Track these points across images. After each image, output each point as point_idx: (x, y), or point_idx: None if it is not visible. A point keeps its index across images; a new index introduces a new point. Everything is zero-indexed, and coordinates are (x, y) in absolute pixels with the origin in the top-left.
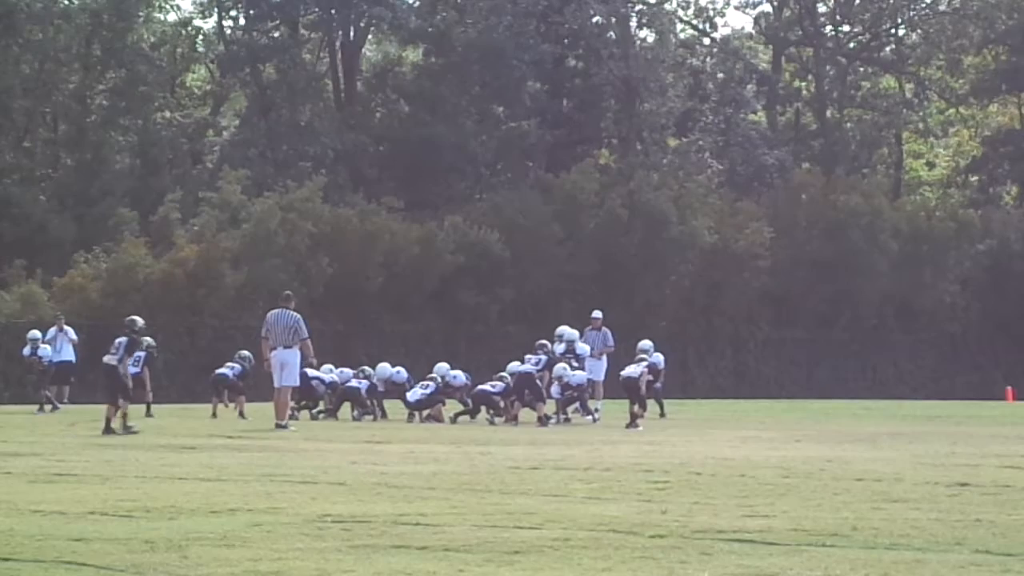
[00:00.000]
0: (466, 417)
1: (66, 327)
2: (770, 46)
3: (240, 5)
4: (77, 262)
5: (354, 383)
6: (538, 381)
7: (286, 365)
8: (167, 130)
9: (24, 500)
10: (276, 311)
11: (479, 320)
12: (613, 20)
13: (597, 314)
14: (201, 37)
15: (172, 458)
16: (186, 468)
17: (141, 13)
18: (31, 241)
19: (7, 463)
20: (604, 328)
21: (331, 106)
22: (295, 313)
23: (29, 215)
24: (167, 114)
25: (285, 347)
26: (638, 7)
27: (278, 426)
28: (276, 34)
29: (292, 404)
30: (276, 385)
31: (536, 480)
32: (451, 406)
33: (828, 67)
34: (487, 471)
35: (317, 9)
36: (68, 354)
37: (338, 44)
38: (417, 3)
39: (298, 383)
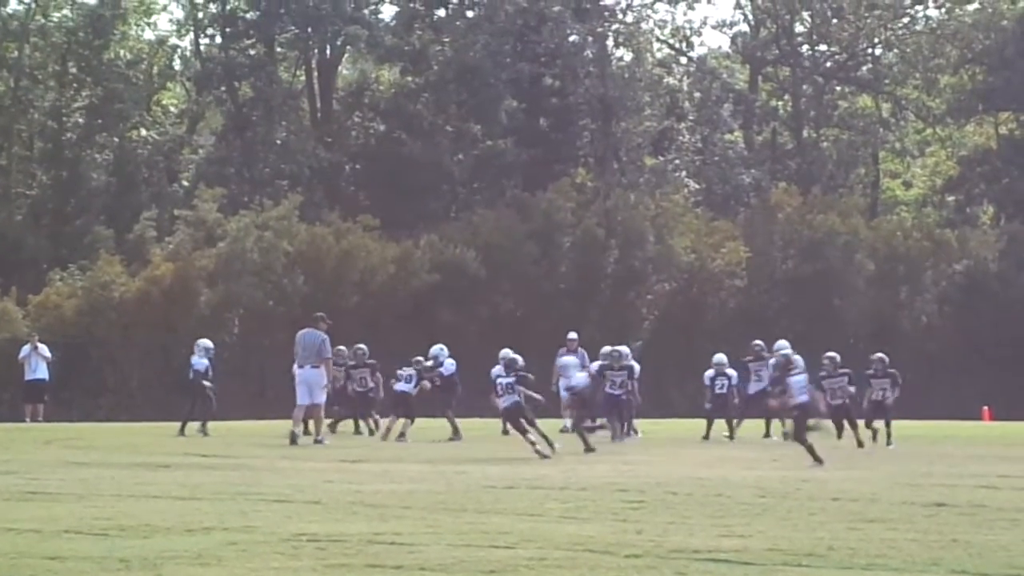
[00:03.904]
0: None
1: (40, 345)
2: (747, 65)
3: (216, 23)
4: (52, 280)
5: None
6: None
7: (312, 384)
8: (143, 148)
9: None
10: (305, 330)
11: (456, 339)
12: (590, 39)
13: (573, 335)
14: (177, 55)
15: (147, 476)
16: (161, 486)
17: (117, 31)
18: (6, 259)
19: None
20: (580, 349)
21: (307, 124)
22: (322, 333)
23: (4, 233)
24: (143, 132)
25: (312, 367)
26: (615, 27)
27: (316, 441)
28: (252, 52)
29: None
30: (300, 402)
31: (511, 499)
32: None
33: (805, 86)
34: (462, 490)
35: (293, 27)
36: (42, 372)
37: (314, 62)
38: (393, 22)
39: (319, 400)
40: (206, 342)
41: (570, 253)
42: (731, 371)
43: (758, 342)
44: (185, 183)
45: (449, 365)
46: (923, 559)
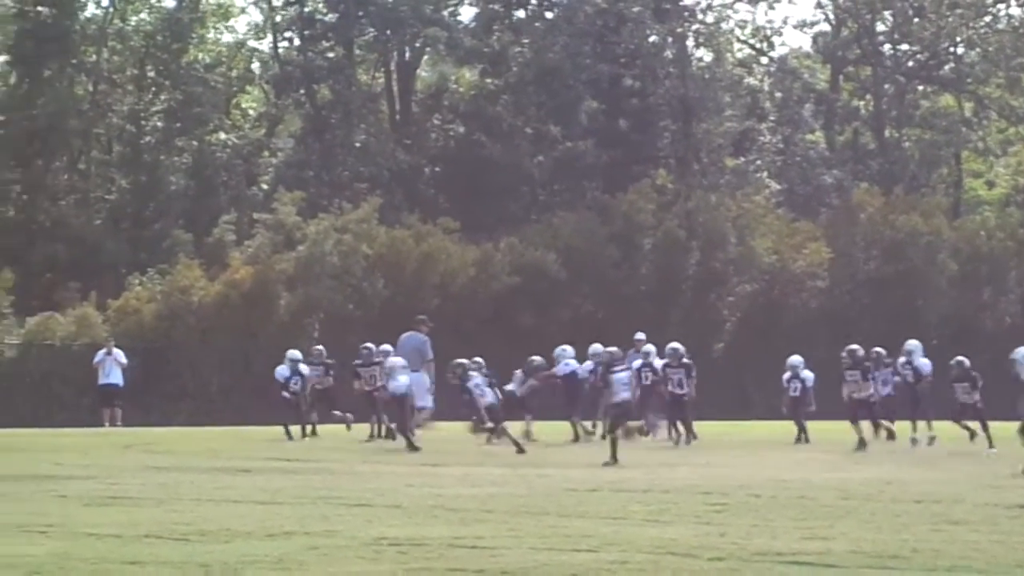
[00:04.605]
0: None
1: (116, 350)
2: (828, 65)
3: (295, 26)
4: (132, 284)
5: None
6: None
7: (415, 386)
8: (222, 152)
9: (79, 523)
10: (407, 333)
11: (536, 342)
12: (670, 40)
13: (641, 336)
14: (256, 58)
15: (227, 480)
16: (241, 491)
17: (195, 35)
18: (85, 263)
19: (62, 486)
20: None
21: (386, 127)
22: (423, 335)
23: (83, 237)
24: (222, 135)
25: (414, 369)
26: (695, 27)
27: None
28: (331, 55)
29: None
30: (418, 404)
31: (594, 503)
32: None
33: (886, 86)
34: (544, 493)
35: (372, 29)
36: (116, 377)
37: (393, 65)
38: (473, 23)
39: (430, 404)
40: (294, 353)
41: (651, 255)
42: (807, 373)
43: (853, 347)
44: (264, 186)
45: (565, 366)
46: (1007, 561)
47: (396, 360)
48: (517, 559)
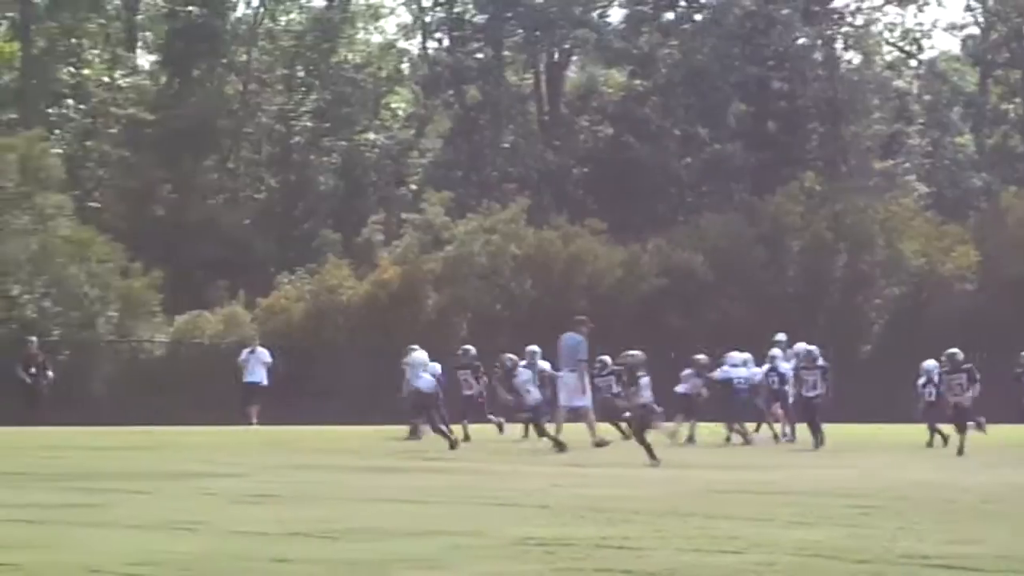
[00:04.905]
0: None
1: (260, 349)
2: (977, 68)
3: (444, 27)
4: (280, 283)
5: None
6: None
7: (572, 387)
8: (371, 152)
9: (227, 520)
10: (566, 334)
11: (683, 343)
12: (819, 42)
13: (782, 336)
14: (405, 59)
15: (375, 480)
16: (389, 490)
17: (345, 35)
18: (234, 262)
19: (209, 484)
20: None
21: (535, 128)
22: (580, 336)
23: (233, 236)
24: (371, 136)
25: (571, 370)
26: (844, 29)
27: (597, 444)
28: (480, 56)
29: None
30: (564, 404)
31: (739, 504)
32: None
33: None
34: (690, 494)
35: (521, 30)
36: (259, 376)
37: (542, 65)
38: (622, 25)
39: (589, 403)
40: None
41: (798, 257)
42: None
43: (952, 351)
44: (412, 186)
45: (722, 372)
46: None
47: (418, 356)
48: (663, 560)
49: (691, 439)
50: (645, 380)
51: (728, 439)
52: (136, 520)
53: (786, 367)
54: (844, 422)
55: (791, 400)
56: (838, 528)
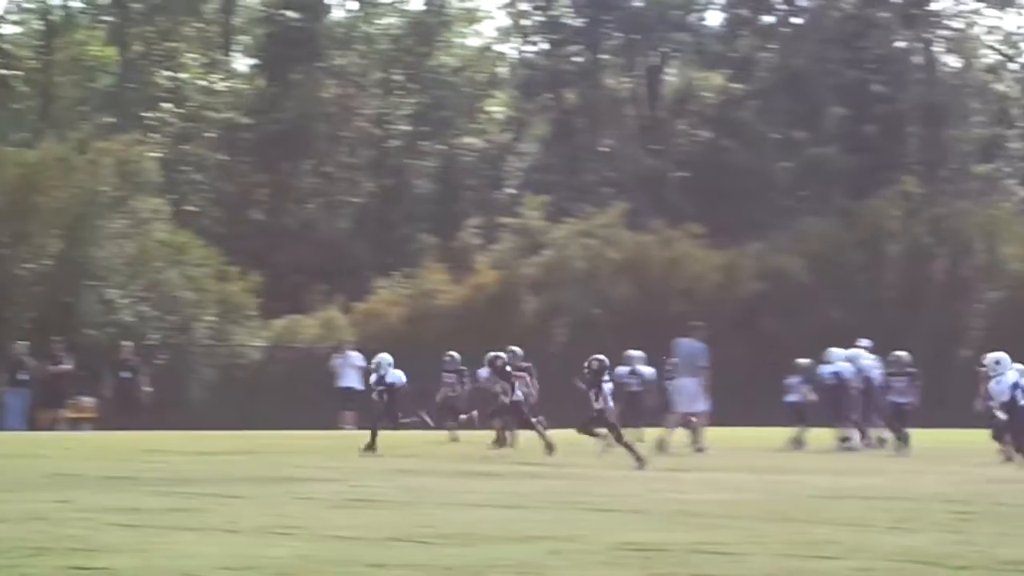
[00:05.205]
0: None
1: (351, 353)
2: None
3: (541, 31)
4: (377, 287)
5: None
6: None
7: (691, 393)
8: (468, 155)
9: (323, 525)
10: (682, 340)
11: (781, 348)
12: (918, 45)
13: (865, 342)
14: (501, 62)
15: (471, 484)
16: (484, 494)
17: (442, 39)
18: (331, 266)
19: (306, 488)
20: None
21: (632, 131)
22: (698, 343)
23: (330, 240)
24: (468, 139)
25: (689, 376)
26: (943, 32)
27: (699, 450)
28: (578, 59)
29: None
30: (680, 410)
31: (837, 509)
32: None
33: None
34: (788, 499)
35: (619, 34)
36: (352, 380)
37: (640, 69)
38: (720, 28)
39: (702, 408)
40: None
41: (897, 262)
42: None
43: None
44: (509, 190)
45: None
46: None
47: (384, 356)
48: (760, 565)
49: (799, 444)
50: (608, 387)
51: (846, 439)
52: (232, 524)
53: (874, 372)
54: (944, 427)
55: (878, 406)
56: (937, 534)
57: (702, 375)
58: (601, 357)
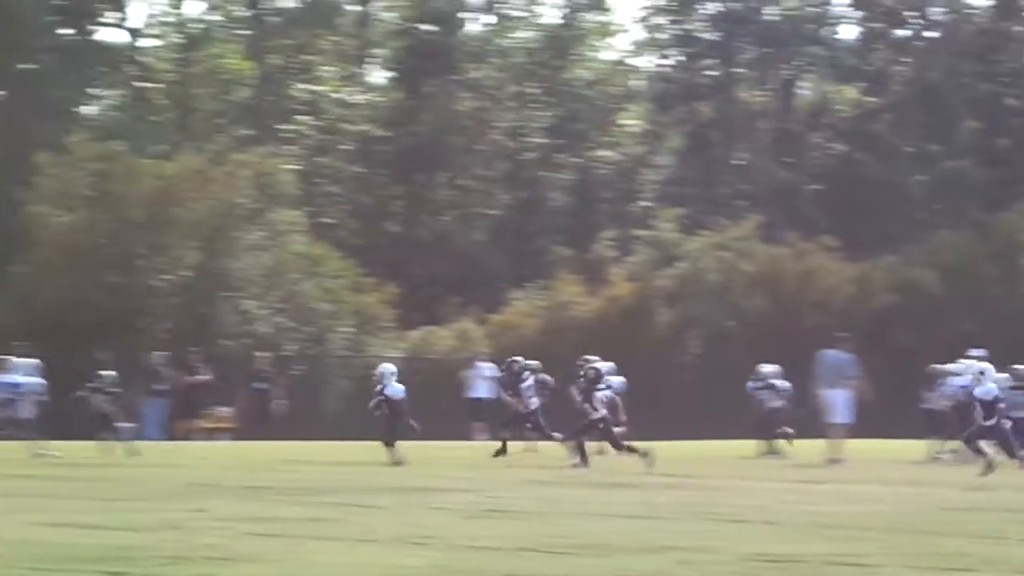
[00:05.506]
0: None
1: (480, 364)
2: None
3: (676, 44)
4: (513, 299)
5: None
6: None
7: (839, 404)
8: (603, 168)
9: (458, 535)
10: (827, 351)
11: (914, 361)
12: None
13: (978, 352)
14: (635, 76)
15: (605, 495)
16: (619, 505)
17: (577, 52)
18: (466, 277)
19: (442, 498)
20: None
21: (767, 145)
22: (844, 354)
23: (465, 252)
24: (602, 152)
25: (835, 387)
26: None
27: (832, 461)
28: (712, 73)
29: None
30: (835, 421)
31: (970, 521)
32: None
33: None
34: (921, 511)
35: (754, 47)
36: (483, 390)
37: (774, 83)
38: (855, 42)
39: (847, 420)
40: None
41: None
42: None
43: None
44: (644, 203)
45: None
46: None
47: (387, 367)
48: None
49: (939, 457)
50: (600, 394)
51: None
52: (368, 534)
53: (992, 385)
54: None
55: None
56: None
57: (851, 387)
58: (597, 366)
